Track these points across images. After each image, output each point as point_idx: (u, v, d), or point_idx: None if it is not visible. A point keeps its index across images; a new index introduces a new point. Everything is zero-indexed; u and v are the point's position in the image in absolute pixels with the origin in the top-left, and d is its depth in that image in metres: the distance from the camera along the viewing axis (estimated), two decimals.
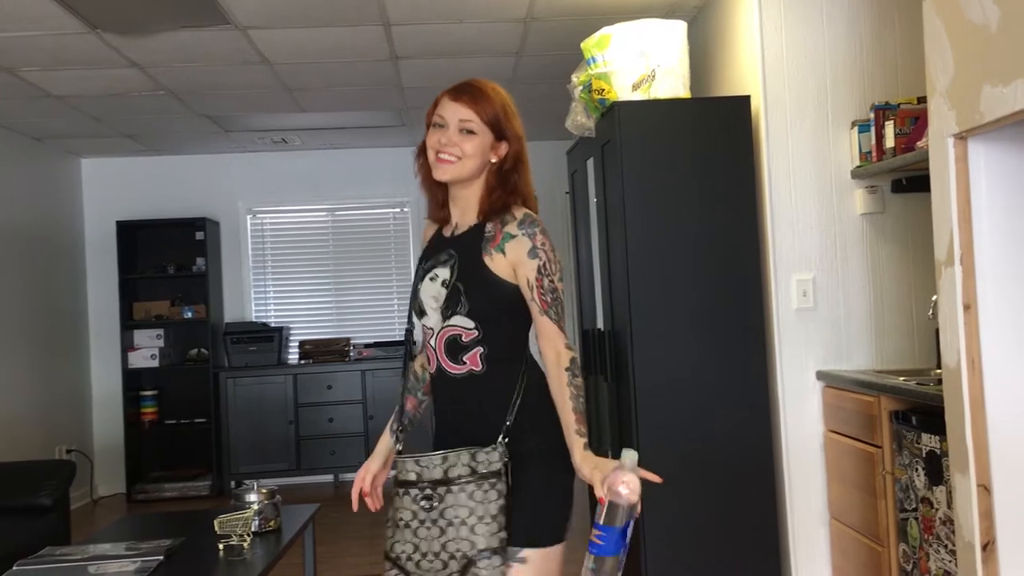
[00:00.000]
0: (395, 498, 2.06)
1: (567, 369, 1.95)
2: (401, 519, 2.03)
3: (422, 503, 1.99)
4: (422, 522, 1.99)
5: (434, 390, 2.14)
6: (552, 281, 1.99)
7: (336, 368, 6.82)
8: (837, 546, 3.45)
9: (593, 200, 4.00)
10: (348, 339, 7.04)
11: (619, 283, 3.58)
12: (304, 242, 7.34)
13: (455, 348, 2.03)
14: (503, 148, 2.05)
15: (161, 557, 2.98)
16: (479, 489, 1.94)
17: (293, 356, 7.14)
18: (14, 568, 2.99)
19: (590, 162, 4.00)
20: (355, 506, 2.19)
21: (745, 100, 3.58)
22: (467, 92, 2.05)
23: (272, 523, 3.36)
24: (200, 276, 6.88)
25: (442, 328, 2.04)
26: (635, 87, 3.52)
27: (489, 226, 2.04)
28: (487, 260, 2.00)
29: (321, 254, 7.33)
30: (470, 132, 2.02)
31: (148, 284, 7.03)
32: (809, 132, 3.57)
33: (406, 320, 2.26)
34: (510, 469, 1.94)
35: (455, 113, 2.03)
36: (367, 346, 6.98)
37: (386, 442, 2.23)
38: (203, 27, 4.15)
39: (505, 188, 2.05)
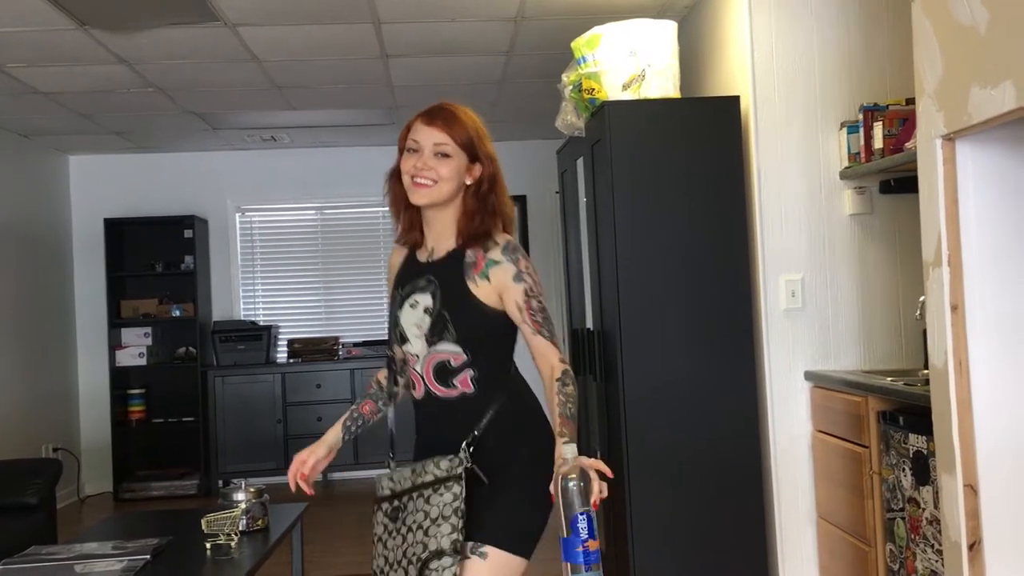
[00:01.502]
0: (372, 516, 2.10)
1: (559, 379, 1.98)
2: (375, 534, 2.09)
3: (390, 515, 2.05)
4: (390, 534, 2.05)
5: (419, 413, 2.14)
6: (540, 302, 2.04)
7: (325, 367, 6.80)
8: (824, 546, 3.46)
9: (583, 200, 4.00)
10: (337, 338, 7.02)
11: (608, 283, 3.58)
12: (293, 241, 7.32)
13: (444, 372, 2.06)
14: (477, 170, 2.08)
15: (148, 556, 2.97)
16: (435, 493, 1.96)
17: (282, 355, 7.12)
18: None
19: (580, 162, 4.00)
20: (292, 487, 2.19)
21: (735, 100, 3.59)
22: (440, 116, 2.06)
23: (260, 522, 3.35)
24: (188, 274, 6.85)
25: (428, 354, 2.06)
26: (625, 87, 3.52)
27: (470, 252, 2.06)
28: (471, 286, 2.03)
29: (310, 253, 7.31)
30: (445, 155, 2.04)
31: (136, 282, 7.00)
32: (798, 133, 3.58)
33: (387, 347, 2.21)
34: (477, 472, 1.98)
35: (429, 137, 2.05)
36: (356, 345, 6.96)
37: (335, 434, 2.25)
38: (192, 24, 4.13)
39: (485, 210, 2.07)
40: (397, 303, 2.12)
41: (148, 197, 7.10)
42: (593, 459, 1.80)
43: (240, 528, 3.22)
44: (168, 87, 5.23)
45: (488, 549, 1.95)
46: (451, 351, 2.03)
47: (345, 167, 7.27)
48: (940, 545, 2.63)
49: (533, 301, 2.02)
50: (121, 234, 6.96)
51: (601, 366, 3.74)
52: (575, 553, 1.67)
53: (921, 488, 2.74)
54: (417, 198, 2.06)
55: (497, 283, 2.03)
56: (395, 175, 2.13)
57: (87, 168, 7.13)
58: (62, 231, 6.94)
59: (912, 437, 2.77)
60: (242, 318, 7.16)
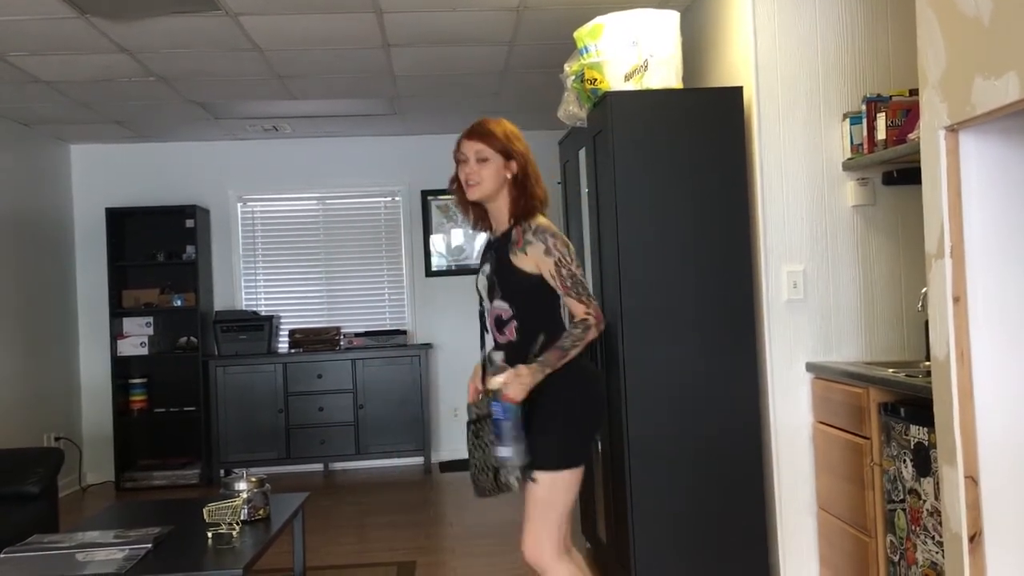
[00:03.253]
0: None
1: (575, 324, 2.60)
2: (468, 448, 2.72)
3: (474, 433, 2.68)
4: (475, 447, 2.68)
5: (489, 355, 2.78)
6: (570, 269, 2.62)
7: (326, 357, 6.81)
8: (825, 536, 3.46)
9: (585, 190, 3.99)
10: (338, 328, 7.02)
11: (610, 273, 3.58)
12: (295, 230, 7.31)
13: (500, 324, 2.72)
14: (513, 165, 2.70)
15: (149, 545, 2.98)
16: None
17: (283, 345, 7.12)
18: (1, 555, 2.98)
19: (582, 152, 3.99)
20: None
21: (737, 91, 3.58)
22: (477, 131, 2.71)
23: (261, 511, 3.36)
24: (190, 264, 6.85)
25: (491, 309, 2.74)
26: (627, 77, 3.51)
27: (514, 232, 2.69)
28: (513, 258, 2.66)
29: (312, 243, 7.31)
30: (484, 160, 2.68)
31: (138, 271, 7.00)
32: (801, 124, 3.57)
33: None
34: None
35: (471, 148, 2.69)
36: (357, 335, 6.97)
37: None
38: (193, 13, 4.12)
39: (525, 193, 2.69)
40: (478, 272, 2.81)
41: (150, 186, 7.10)
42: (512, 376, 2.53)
43: (242, 517, 3.23)
44: (169, 76, 5.22)
45: (537, 474, 2.60)
46: (502, 307, 2.69)
47: (347, 157, 7.27)
48: (941, 536, 2.63)
49: (563, 269, 2.61)
50: (123, 223, 6.96)
51: (602, 356, 3.74)
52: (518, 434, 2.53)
53: (922, 479, 2.74)
54: (471, 195, 2.71)
55: (534, 256, 2.64)
56: (456, 181, 2.76)
57: (89, 157, 7.13)
58: (64, 220, 6.94)
59: (913, 428, 2.78)
60: (244, 308, 7.16)
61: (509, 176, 2.68)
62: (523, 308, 2.66)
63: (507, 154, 2.68)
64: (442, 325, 7.17)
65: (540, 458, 2.57)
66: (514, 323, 2.66)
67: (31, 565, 2.86)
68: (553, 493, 2.61)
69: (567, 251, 2.63)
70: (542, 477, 2.59)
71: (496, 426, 2.52)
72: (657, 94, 3.52)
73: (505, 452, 2.52)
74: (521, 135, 2.74)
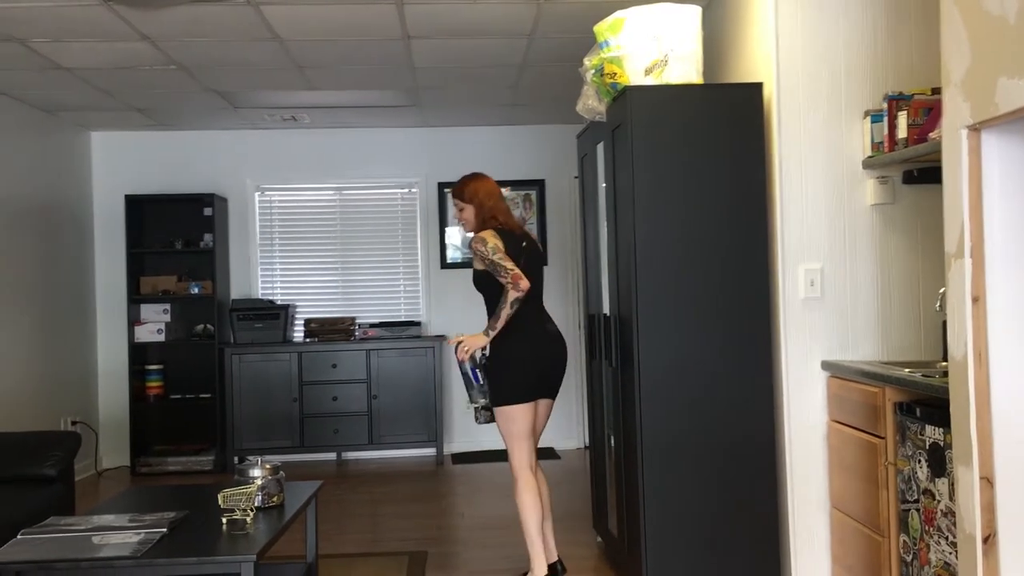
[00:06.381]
0: None
1: (504, 300, 3.56)
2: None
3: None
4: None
5: None
6: (488, 258, 3.60)
7: (341, 347, 6.84)
8: (837, 535, 3.46)
9: (602, 185, 3.99)
10: (354, 318, 7.05)
11: (626, 269, 3.57)
12: (312, 220, 7.34)
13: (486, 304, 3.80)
14: (475, 207, 3.83)
15: (164, 529, 3.00)
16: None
17: (298, 334, 7.16)
18: (18, 537, 3.02)
19: (600, 146, 3.99)
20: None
21: (758, 87, 3.56)
22: (454, 191, 3.87)
23: (275, 499, 3.38)
24: (207, 252, 6.89)
25: None
26: (647, 72, 3.50)
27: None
28: (473, 262, 3.77)
29: (328, 233, 7.33)
30: (462, 209, 3.84)
31: (155, 259, 7.05)
32: (821, 121, 3.55)
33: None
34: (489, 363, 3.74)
35: (455, 202, 3.88)
36: (372, 326, 6.98)
37: None
38: (215, 1, 4.14)
39: (480, 220, 3.79)
40: None
41: (169, 175, 7.14)
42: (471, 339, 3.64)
43: (256, 504, 3.25)
44: (190, 65, 5.24)
45: (496, 409, 3.69)
46: (481, 294, 3.80)
47: (365, 148, 7.28)
48: (954, 537, 2.62)
49: (484, 260, 3.62)
50: (141, 211, 7.00)
51: (617, 352, 3.74)
52: (473, 383, 3.68)
53: (936, 480, 2.73)
54: (464, 230, 3.94)
55: (475, 259, 3.72)
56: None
57: (109, 144, 7.17)
58: (83, 207, 6.99)
59: (929, 429, 2.76)
60: (260, 297, 7.20)
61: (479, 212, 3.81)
62: (486, 293, 3.72)
63: (469, 200, 3.80)
64: (456, 317, 7.18)
65: (492, 397, 3.65)
66: (486, 306, 3.74)
67: (47, 547, 2.89)
68: (503, 423, 3.66)
69: (484, 247, 3.60)
70: (496, 411, 3.67)
71: (464, 376, 3.70)
72: (677, 89, 3.51)
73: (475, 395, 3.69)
74: (481, 187, 3.80)
